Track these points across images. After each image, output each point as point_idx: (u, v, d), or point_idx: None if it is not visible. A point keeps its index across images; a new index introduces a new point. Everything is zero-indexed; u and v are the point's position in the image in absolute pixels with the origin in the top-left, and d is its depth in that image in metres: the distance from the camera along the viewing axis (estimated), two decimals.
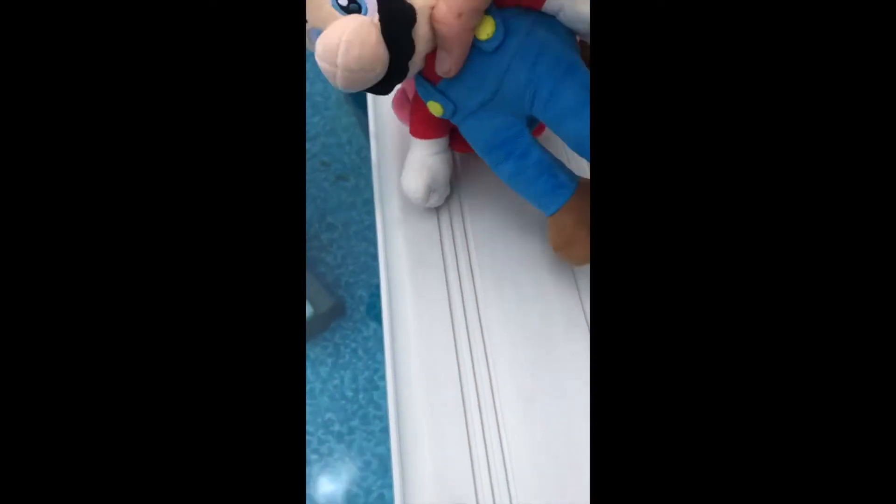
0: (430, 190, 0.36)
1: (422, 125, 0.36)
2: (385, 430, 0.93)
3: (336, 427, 0.94)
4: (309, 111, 1.39)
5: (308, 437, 0.94)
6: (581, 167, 0.39)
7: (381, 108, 0.49)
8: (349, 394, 0.96)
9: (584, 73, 0.28)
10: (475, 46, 0.28)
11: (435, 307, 0.38)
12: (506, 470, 0.32)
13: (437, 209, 0.42)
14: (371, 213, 1.27)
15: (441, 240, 0.41)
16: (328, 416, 0.95)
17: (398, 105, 0.41)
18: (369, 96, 0.51)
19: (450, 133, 0.37)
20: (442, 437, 0.34)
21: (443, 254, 0.41)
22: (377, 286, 1.11)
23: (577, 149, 0.29)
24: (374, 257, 1.14)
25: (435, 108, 0.32)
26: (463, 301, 0.38)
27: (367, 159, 1.33)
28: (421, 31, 0.27)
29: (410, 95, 0.38)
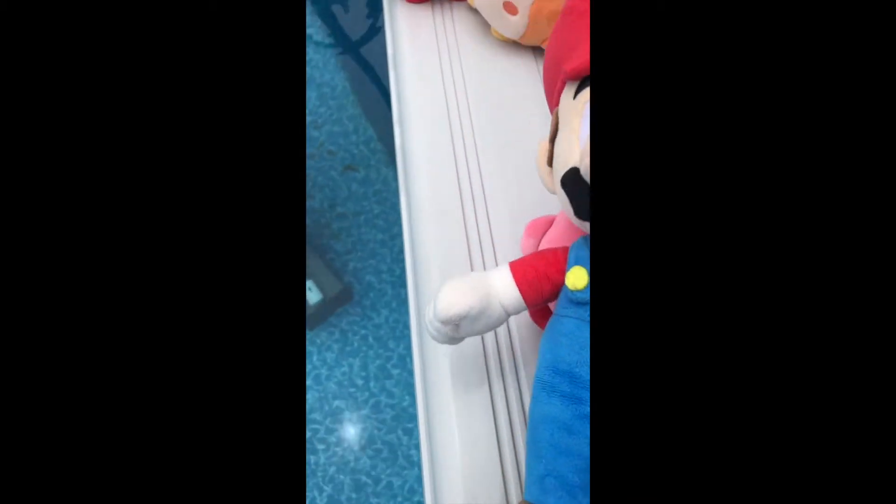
0: (465, 317, 0.28)
1: (536, 283, 0.29)
2: (396, 418, 0.93)
3: (346, 415, 0.93)
4: (316, 101, 1.40)
5: (316, 426, 0.93)
6: None
7: (406, 94, 0.48)
8: (359, 382, 0.95)
9: None
10: None
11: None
12: None
13: (463, 205, 0.41)
14: (381, 202, 1.28)
15: (467, 233, 0.41)
16: (336, 403, 0.94)
17: (532, 229, 0.36)
18: (392, 75, 0.51)
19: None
20: (472, 440, 0.33)
21: (468, 246, 0.40)
22: (386, 272, 1.12)
23: None
24: (383, 244, 1.15)
25: (578, 279, 0.26)
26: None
27: (375, 150, 1.33)
28: None
29: (544, 237, 0.34)
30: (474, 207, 0.42)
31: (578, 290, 0.26)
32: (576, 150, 0.25)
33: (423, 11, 0.53)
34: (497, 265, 0.39)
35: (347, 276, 1.09)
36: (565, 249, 0.29)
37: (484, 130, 0.46)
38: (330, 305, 1.03)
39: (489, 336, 0.36)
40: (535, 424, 0.26)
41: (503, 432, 0.33)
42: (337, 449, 0.91)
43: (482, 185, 0.43)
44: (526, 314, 0.35)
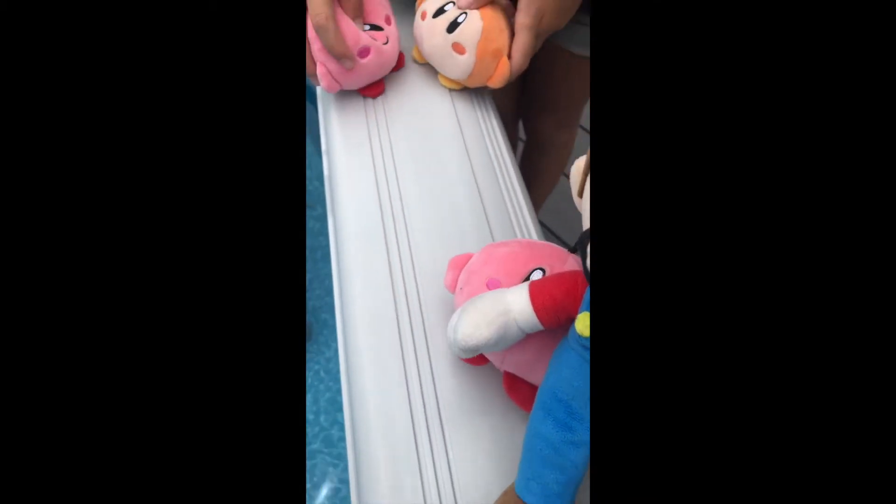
0: (484, 346, 0.30)
1: (554, 313, 0.30)
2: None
3: None
4: None
5: None
6: None
7: (333, 127, 0.50)
8: (310, 416, 0.94)
9: None
10: None
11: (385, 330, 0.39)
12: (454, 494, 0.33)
13: (388, 249, 0.43)
14: None
15: (392, 281, 0.43)
16: None
17: (453, 264, 0.37)
18: (321, 109, 0.53)
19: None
20: (395, 462, 0.34)
21: (391, 277, 0.42)
22: None
23: None
24: None
25: (586, 327, 0.27)
26: (412, 328, 0.39)
27: None
28: None
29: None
30: (397, 241, 0.43)
31: (584, 337, 0.27)
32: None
33: None
34: (419, 294, 0.40)
35: (306, 313, 1.08)
36: (585, 281, 0.29)
37: (406, 172, 0.48)
38: None
39: (412, 370, 0.37)
40: (532, 434, 0.28)
41: (425, 464, 0.34)
42: None
43: (405, 222, 0.45)
44: None
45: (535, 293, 0.30)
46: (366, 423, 0.36)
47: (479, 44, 0.46)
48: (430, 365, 0.37)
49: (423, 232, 0.43)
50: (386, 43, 0.49)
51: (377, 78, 0.51)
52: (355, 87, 0.51)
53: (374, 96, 0.52)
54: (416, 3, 0.51)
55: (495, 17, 0.47)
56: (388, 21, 0.50)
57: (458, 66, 0.49)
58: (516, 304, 0.30)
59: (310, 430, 0.93)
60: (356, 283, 0.41)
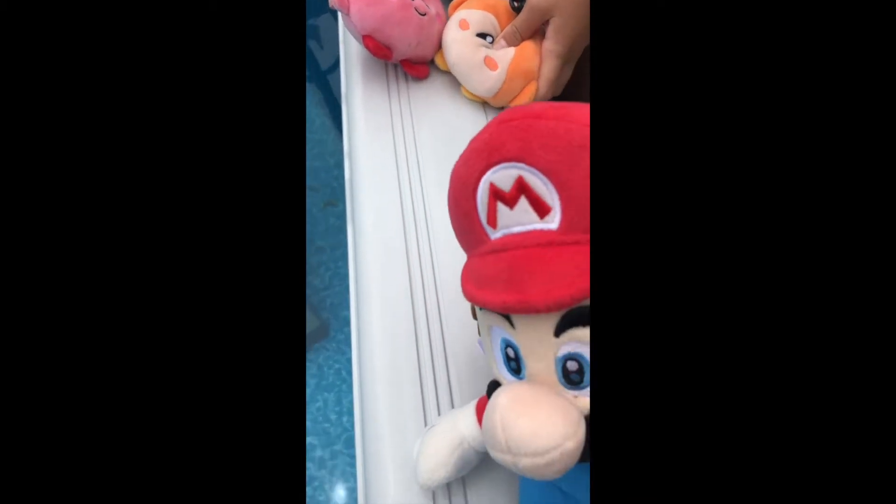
0: (446, 481, 0.30)
1: None
2: None
3: (318, 452, 0.92)
4: None
5: None
6: None
7: (357, 129, 0.49)
8: (333, 416, 0.94)
9: None
10: None
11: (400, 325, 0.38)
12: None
13: (406, 241, 0.42)
14: None
15: (409, 268, 0.42)
16: (309, 440, 0.93)
17: None
18: (345, 110, 0.52)
19: None
20: (404, 459, 0.34)
21: (410, 281, 0.41)
22: None
23: None
24: None
25: None
26: (428, 326, 0.39)
27: None
28: None
29: None
30: (417, 243, 0.43)
31: None
32: (494, 370, 0.25)
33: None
34: (438, 304, 0.39)
35: (325, 311, 1.09)
36: None
37: (428, 169, 0.47)
38: (307, 341, 1.03)
39: (428, 380, 0.37)
40: None
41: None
42: (307, 489, 0.89)
43: (426, 221, 0.44)
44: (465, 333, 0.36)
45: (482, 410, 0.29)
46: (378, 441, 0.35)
47: (512, 61, 0.46)
48: (449, 382, 0.36)
49: (447, 242, 0.42)
50: (423, 15, 0.47)
51: (386, 30, 0.47)
52: (361, 21, 0.46)
53: (416, 76, 0.51)
54: (450, 9, 0.50)
55: (529, 44, 0.47)
56: (440, 18, 0.49)
57: (486, 81, 0.47)
58: (468, 431, 0.30)
59: (333, 431, 0.93)
60: (374, 294, 0.40)
